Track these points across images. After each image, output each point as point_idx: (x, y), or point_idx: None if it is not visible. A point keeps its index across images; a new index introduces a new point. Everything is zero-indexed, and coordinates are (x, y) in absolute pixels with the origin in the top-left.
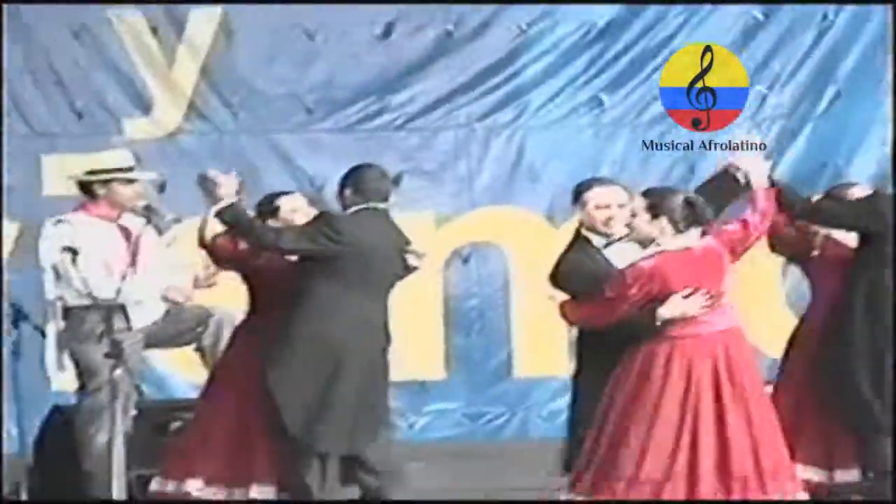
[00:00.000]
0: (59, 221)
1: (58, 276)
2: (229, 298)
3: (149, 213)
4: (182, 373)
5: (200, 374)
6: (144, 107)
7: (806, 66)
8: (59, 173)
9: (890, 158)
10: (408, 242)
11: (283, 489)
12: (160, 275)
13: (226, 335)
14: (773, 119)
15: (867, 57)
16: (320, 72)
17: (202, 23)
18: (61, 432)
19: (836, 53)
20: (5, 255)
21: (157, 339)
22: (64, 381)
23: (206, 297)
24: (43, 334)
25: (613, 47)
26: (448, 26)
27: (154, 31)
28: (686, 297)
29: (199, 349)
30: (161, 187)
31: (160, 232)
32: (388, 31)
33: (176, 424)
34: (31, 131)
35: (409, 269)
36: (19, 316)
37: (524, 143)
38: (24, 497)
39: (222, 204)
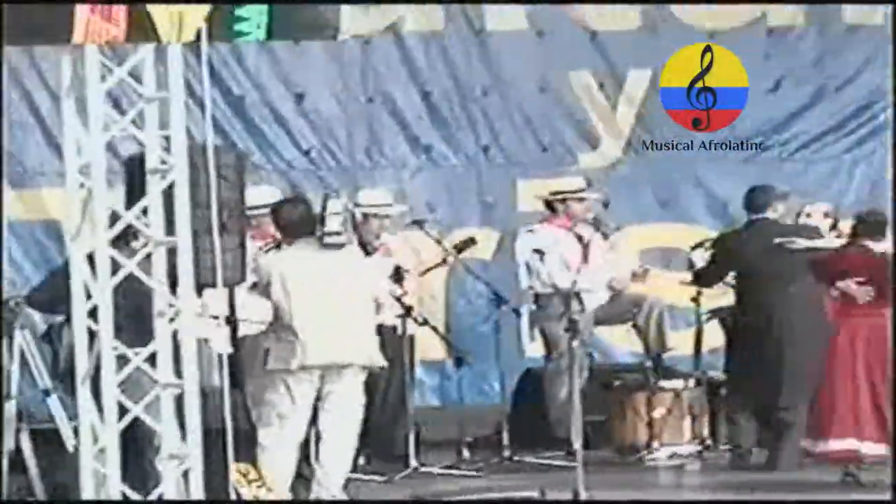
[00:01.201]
0: (530, 230)
1: (529, 271)
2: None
3: (596, 223)
4: (622, 343)
5: (636, 345)
6: (593, 143)
7: None
8: (530, 194)
9: (890, 158)
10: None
11: None
12: (606, 270)
13: (655, 315)
14: None
15: None
16: None
17: (638, 80)
18: (532, 388)
19: None
20: (489, 257)
21: (604, 317)
22: (534, 349)
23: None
24: (517, 314)
25: None
26: (823, 80)
27: (601, 86)
28: None
29: (635, 326)
30: (605, 204)
31: (605, 237)
32: (776, 86)
33: (618, 383)
34: (508, 162)
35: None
36: (500, 300)
37: (881, 170)
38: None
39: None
